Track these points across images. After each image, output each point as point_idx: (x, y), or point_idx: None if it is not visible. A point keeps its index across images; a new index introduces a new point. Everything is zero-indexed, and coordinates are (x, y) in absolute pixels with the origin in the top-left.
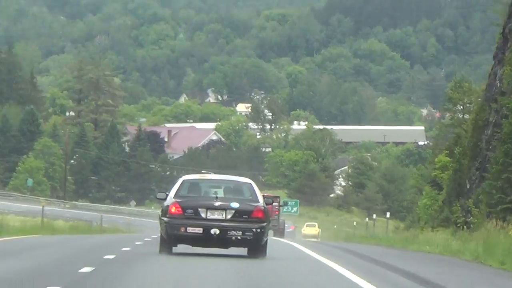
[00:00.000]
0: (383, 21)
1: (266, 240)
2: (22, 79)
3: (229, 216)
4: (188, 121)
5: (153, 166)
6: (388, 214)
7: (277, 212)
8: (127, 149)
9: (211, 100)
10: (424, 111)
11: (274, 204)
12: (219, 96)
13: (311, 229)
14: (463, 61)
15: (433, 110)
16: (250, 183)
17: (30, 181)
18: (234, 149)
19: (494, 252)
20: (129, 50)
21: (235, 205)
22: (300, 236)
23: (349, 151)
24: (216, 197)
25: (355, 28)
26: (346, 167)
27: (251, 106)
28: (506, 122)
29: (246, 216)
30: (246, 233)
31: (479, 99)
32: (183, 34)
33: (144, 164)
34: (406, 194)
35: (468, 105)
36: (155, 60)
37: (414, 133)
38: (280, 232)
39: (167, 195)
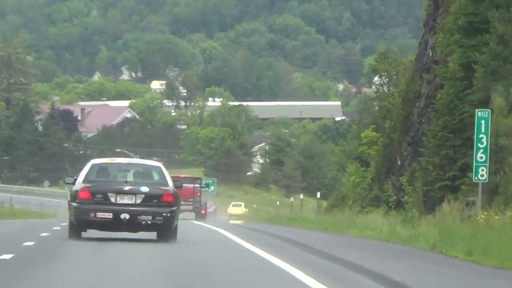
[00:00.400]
0: None
1: (177, 224)
2: None
3: (138, 201)
4: (102, 99)
5: (67, 145)
6: (318, 195)
7: (199, 194)
8: (40, 128)
9: (125, 78)
10: (340, 86)
11: (195, 185)
12: (133, 74)
13: (237, 208)
14: (379, 35)
15: (349, 85)
16: (159, 167)
17: None
18: (148, 127)
19: (456, 241)
20: (42, 28)
21: (144, 189)
22: (223, 216)
23: (265, 127)
24: (126, 181)
25: (269, 2)
26: (263, 144)
27: (165, 83)
28: (443, 92)
29: (156, 200)
30: (156, 218)
31: (407, 71)
32: (96, 11)
33: (57, 143)
34: (326, 171)
35: (394, 77)
36: (68, 37)
37: (331, 108)
38: (202, 215)
39: (75, 179)
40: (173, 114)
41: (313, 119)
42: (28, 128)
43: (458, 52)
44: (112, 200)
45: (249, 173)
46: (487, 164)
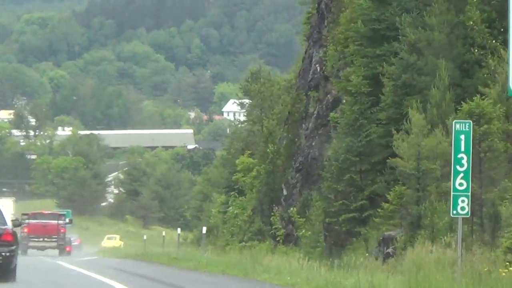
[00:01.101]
0: (146, 22)
1: (16, 264)
2: None
3: None
4: None
5: None
6: (179, 230)
7: (63, 230)
8: None
9: None
10: (192, 114)
11: (59, 221)
12: None
13: (111, 241)
14: (229, 61)
15: (200, 113)
16: None
17: None
18: None
19: None
20: None
21: None
22: (90, 249)
23: (117, 156)
24: None
25: (117, 30)
26: (117, 173)
27: (13, 113)
28: (346, 109)
29: None
30: None
31: (284, 90)
32: None
33: None
34: (183, 201)
35: (270, 98)
36: None
37: (183, 136)
38: (67, 252)
39: None
40: (22, 143)
41: (166, 147)
42: None
43: (360, 63)
44: None
45: (103, 204)
46: (469, 194)
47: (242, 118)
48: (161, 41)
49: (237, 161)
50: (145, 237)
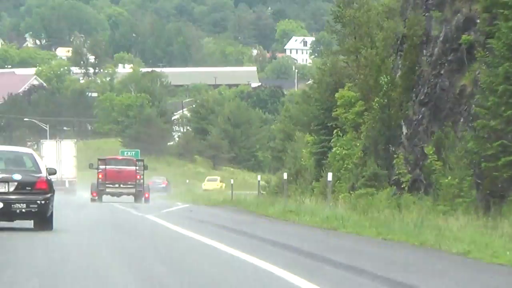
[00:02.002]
0: None
1: (52, 212)
2: None
3: (12, 189)
4: (6, 66)
5: None
6: (285, 175)
7: (139, 177)
8: None
9: (29, 45)
10: (254, 51)
11: (136, 168)
12: (37, 41)
13: (212, 183)
14: None
15: (264, 50)
16: (31, 154)
17: None
18: (57, 95)
19: None
20: None
21: (17, 177)
22: (179, 195)
23: (179, 94)
24: None
25: None
26: (181, 111)
27: (72, 50)
28: (504, 26)
29: (30, 188)
30: (31, 205)
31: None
32: None
33: None
34: (254, 140)
35: (367, 24)
36: None
37: (246, 74)
38: (146, 199)
39: None
40: (81, 81)
41: (229, 85)
42: None
43: None
44: None
45: (170, 143)
46: None
47: (306, 56)
48: None
49: (336, 95)
50: (232, 181)
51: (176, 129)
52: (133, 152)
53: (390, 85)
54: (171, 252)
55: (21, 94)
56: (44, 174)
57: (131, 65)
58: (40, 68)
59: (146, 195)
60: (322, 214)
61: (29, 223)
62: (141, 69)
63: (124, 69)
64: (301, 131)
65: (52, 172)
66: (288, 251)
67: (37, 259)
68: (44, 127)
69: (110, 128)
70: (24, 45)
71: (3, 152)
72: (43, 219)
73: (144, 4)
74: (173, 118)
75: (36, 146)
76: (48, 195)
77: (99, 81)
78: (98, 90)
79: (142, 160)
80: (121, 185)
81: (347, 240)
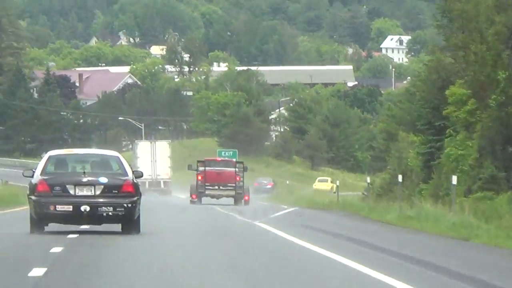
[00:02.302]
0: None
1: (139, 215)
2: None
3: (98, 192)
4: (100, 64)
5: (65, 113)
6: (400, 178)
7: (239, 178)
8: (35, 95)
9: (123, 43)
10: (350, 50)
11: (236, 169)
12: (131, 39)
13: (323, 184)
14: None
15: (359, 49)
16: (117, 157)
17: None
18: (152, 93)
19: None
20: None
21: (103, 180)
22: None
23: (275, 93)
24: (84, 173)
25: None
26: (278, 110)
27: (166, 48)
28: None
29: (116, 191)
30: (117, 209)
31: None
32: None
33: (54, 111)
34: (353, 140)
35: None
36: (62, 2)
37: (342, 73)
38: (245, 201)
39: (34, 172)
40: (176, 80)
41: (325, 84)
42: (23, 95)
43: None
44: (71, 192)
45: (267, 143)
46: None
47: (402, 55)
48: None
49: (447, 92)
50: (338, 182)
51: (273, 128)
52: (231, 152)
53: (508, 81)
54: (292, 268)
55: (115, 93)
56: (130, 177)
57: (226, 63)
58: (134, 66)
59: (246, 198)
60: (446, 221)
61: (117, 226)
62: (236, 68)
63: (219, 68)
64: (405, 131)
65: (138, 175)
66: (424, 267)
67: (136, 267)
68: (139, 126)
69: (206, 127)
70: (118, 43)
71: (90, 155)
72: (130, 223)
73: (239, 2)
74: (270, 117)
75: (130, 146)
76: (135, 198)
77: (194, 80)
78: (193, 88)
79: (242, 162)
80: (221, 187)
81: (489, 254)
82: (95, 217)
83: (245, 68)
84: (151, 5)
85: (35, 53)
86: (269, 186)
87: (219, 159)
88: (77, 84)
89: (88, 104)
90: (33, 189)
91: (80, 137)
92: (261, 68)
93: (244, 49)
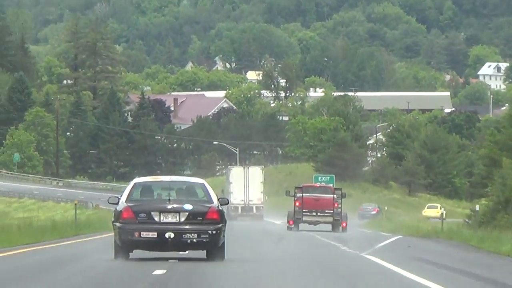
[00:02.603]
0: None
1: (224, 242)
2: (12, 44)
3: (183, 219)
4: (196, 89)
5: (159, 137)
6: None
7: (337, 205)
8: (129, 119)
9: (219, 68)
10: (447, 76)
11: (334, 195)
12: (227, 64)
13: (433, 210)
14: (483, 24)
15: (457, 75)
16: (203, 183)
17: (16, 156)
18: (247, 118)
19: None
20: (131, 18)
21: (188, 207)
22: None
23: (372, 119)
24: (169, 200)
25: None
26: (375, 136)
27: (262, 73)
28: None
29: (201, 218)
30: (202, 236)
31: None
32: (186, 1)
33: (149, 135)
34: (451, 166)
35: None
36: (158, 27)
37: (439, 99)
38: (343, 228)
39: (119, 199)
40: (272, 105)
41: (422, 110)
42: (117, 119)
43: None
44: (156, 219)
45: (364, 168)
46: None
47: (499, 81)
48: (412, 2)
49: None
50: (443, 210)
51: (370, 154)
52: (328, 177)
53: None
54: None
55: (210, 117)
56: (215, 204)
57: (323, 89)
58: (230, 91)
59: (344, 224)
60: None
61: (202, 253)
62: (333, 93)
63: (315, 93)
64: (509, 157)
65: (224, 202)
66: None
67: None
68: (234, 151)
69: (301, 152)
70: (214, 68)
71: (175, 183)
72: (214, 249)
73: (336, 28)
74: (367, 143)
75: (225, 171)
76: (220, 225)
77: (290, 105)
78: (289, 113)
79: (341, 189)
80: (319, 213)
81: None
82: (179, 244)
83: (342, 93)
84: (248, 30)
85: (130, 78)
86: (374, 212)
87: (317, 185)
88: (172, 108)
89: (182, 128)
90: (118, 216)
91: (174, 161)
92: (358, 93)
93: (341, 74)
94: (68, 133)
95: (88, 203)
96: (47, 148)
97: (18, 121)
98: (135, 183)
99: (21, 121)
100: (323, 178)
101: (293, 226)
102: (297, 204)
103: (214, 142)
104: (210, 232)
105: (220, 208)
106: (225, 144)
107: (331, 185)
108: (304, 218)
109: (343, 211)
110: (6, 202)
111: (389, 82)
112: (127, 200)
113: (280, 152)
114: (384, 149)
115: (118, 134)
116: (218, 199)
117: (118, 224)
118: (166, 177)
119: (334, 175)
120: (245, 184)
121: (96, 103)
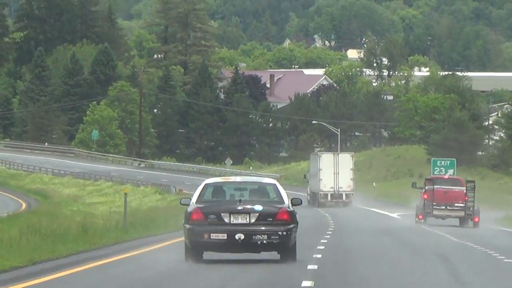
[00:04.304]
0: None
1: (295, 243)
2: (99, 15)
3: (253, 220)
4: (293, 67)
5: (253, 116)
6: None
7: (466, 198)
8: (222, 96)
9: (318, 45)
10: None
11: (465, 188)
12: (326, 42)
13: None
14: None
15: None
16: (274, 184)
17: (95, 134)
18: (349, 96)
19: None
20: None
21: (258, 208)
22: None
23: (480, 100)
24: (240, 201)
25: None
26: (493, 115)
27: (363, 51)
28: None
29: (271, 219)
30: (272, 237)
31: None
32: None
33: (242, 113)
34: None
35: None
36: (255, 4)
37: None
38: (475, 223)
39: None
40: (374, 84)
41: None
42: (208, 96)
43: None
44: (226, 220)
45: (480, 153)
46: None
47: None
48: None
49: None
50: None
51: (488, 136)
52: (448, 162)
53: None
54: None
55: (309, 95)
56: (286, 204)
57: (427, 68)
58: (329, 68)
59: (476, 219)
60: None
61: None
62: (440, 73)
63: (420, 73)
64: None
65: (297, 202)
66: None
67: None
68: (335, 131)
69: (411, 133)
70: (312, 46)
71: (246, 183)
72: (285, 251)
73: (440, 6)
74: (485, 124)
75: (310, 156)
76: (290, 226)
77: (393, 84)
78: (393, 93)
79: (473, 181)
80: (448, 207)
81: None
82: (249, 245)
83: (449, 73)
84: (349, 7)
85: (225, 53)
86: None
87: (446, 176)
88: (268, 85)
89: (278, 107)
90: (187, 217)
91: (268, 142)
92: (466, 74)
93: (445, 54)
94: (155, 110)
95: (171, 187)
96: (132, 126)
97: (101, 96)
98: (205, 184)
99: (105, 97)
100: (442, 162)
101: (422, 220)
102: (426, 197)
103: (313, 122)
104: (280, 233)
105: (292, 208)
106: (325, 124)
107: (462, 178)
108: (434, 212)
109: (475, 205)
110: (80, 185)
111: (496, 62)
112: (197, 201)
113: (386, 133)
114: (504, 130)
115: (209, 112)
116: (291, 200)
117: (187, 226)
118: (237, 177)
119: (455, 160)
120: (335, 171)
121: (186, 78)
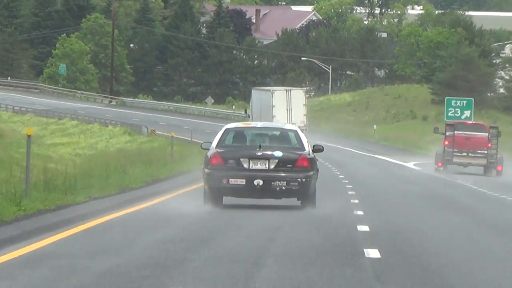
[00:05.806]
0: None
1: (315, 190)
2: None
3: (272, 166)
4: (280, 3)
5: (237, 52)
6: None
7: (491, 145)
8: (203, 30)
9: None
10: None
11: (489, 134)
12: None
13: None
14: None
15: None
16: (295, 130)
17: (62, 68)
18: (341, 33)
19: None
20: None
21: (278, 154)
22: None
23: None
24: (260, 146)
25: None
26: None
27: None
28: None
29: (290, 165)
30: (291, 183)
31: None
32: None
33: (225, 49)
34: None
35: None
36: None
37: None
38: (498, 172)
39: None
40: (365, 22)
41: None
42: (189, 30)
43: None
44: (245, 165)
45: (489, 94)
46: None
47: None
48: None
49: None
50: None
51: (499, 75)
52: (465, 101)
53: None
54: None
55: (297, 31)
56: (307, 151)
57: (421, 6)
58: (319, 4)
59: (499, 168)
60: None
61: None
62: (436, 11)
63: (413, 11)
64: None
65: (319, 148)
66: None
67: None
68: (326, 69)
69: (411, 71)
70: None
71: (267, 129)
72: (304, 197)
73: None
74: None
75: (252, 92)
76: (310, 173)
77: (385, 22)
78: (387, 30)
79: (497, 127)
80: (470, 154)
81: None
82: (268, 191)
83: (445, 11)
84: None
85: None
86: None
87: (469, 122)
88: (254, 20)
89: (265, 43)
90: (207, 162)
91: (253, 80)
92: (470, 12)
93: None
94: (131, 45)
95: (143, 128)
96: (106, 61)
97: (74, 29)
98: (226, 129)
99: (78, 30)
100: (458, 102)
101: (441, 168)
102: (447, 143)
103: (303, 59)
104: (299, 179)
105: (312, 155)
106: (315, 61)
107: (485, 124)
108: (455, 160)
109: (498, 152)
110: (43, 124)
111: (492, 2)
112: (217, 146)
113: (381, 72)
114: None
115: (189, 47)
116: (312, 147)
117: (206, 170)
118: (259, 123)
119: (472, 99)
120: (288, 107)
121: (166, 12)
